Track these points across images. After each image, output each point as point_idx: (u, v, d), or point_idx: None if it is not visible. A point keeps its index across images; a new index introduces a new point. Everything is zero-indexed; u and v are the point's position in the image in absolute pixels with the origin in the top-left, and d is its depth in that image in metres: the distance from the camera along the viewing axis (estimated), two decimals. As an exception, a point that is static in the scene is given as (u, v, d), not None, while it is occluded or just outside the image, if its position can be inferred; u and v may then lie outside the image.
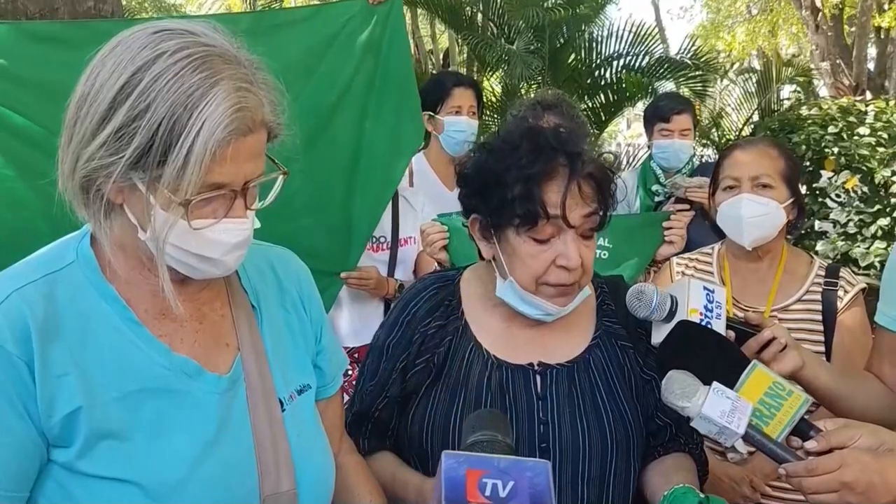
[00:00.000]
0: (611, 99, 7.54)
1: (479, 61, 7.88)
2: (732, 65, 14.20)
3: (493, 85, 9.01)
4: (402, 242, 2.84)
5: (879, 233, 4.76)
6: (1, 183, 2.25)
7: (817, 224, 5.13)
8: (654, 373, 1.46)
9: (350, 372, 2.71)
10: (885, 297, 1.60)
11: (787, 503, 1.98)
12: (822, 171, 5.07)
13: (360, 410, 1.49)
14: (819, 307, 2.02)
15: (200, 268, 1.03)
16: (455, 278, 1.54)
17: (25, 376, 0.95)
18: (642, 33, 7.57)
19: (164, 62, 0.93)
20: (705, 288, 1.46)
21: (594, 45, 7.72)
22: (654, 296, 1.42)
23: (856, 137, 5.02)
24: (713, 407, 1.21)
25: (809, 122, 5.29)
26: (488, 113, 7.05)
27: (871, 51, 13.35)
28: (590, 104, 7.47)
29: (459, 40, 8.89)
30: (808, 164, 5.03)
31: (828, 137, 5.06)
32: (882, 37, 13.13)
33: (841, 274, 2.06)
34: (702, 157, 6.87)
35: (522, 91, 7.21)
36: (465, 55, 9.36)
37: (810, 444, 1.22)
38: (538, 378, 1.42)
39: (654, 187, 3.37)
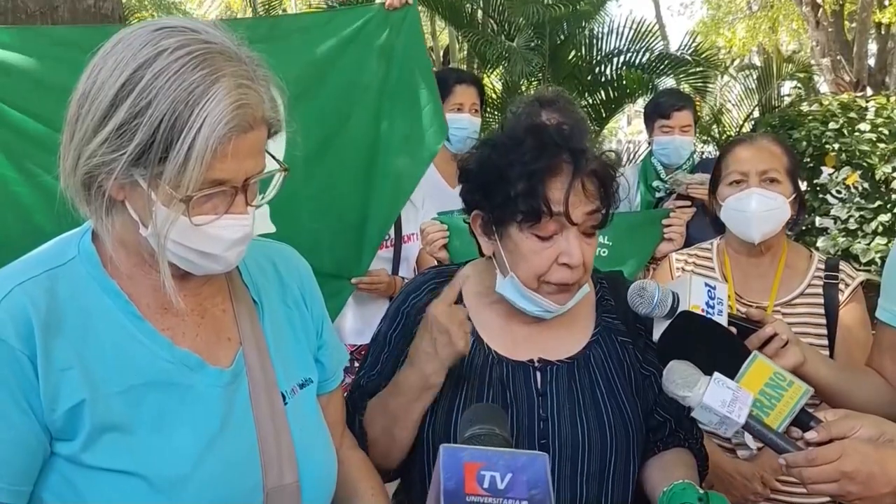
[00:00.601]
0: (611, 96, 7.54)
1: (480, 58, 7.88)
2: (733, 61, 14.16)
3: (493, 82, 9.00)
4: (405, 239, 2.85)
5: (880, 229, 4.76)
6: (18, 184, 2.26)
7: (818, 220, 5.13)
8: (654, 368, 1.47)
9: (359, 369, 2.73)
10: (885, 293, 1.61)
11: (797, 497, 1.99)
12: (823, 168, 5.07)
13: (360, 393, 1.48)
14: (821, 301, 2.03)
15: (201, 264, 1.03)
16: (455, 273, 1.54)
17: (28, 371, 0.96)
18: (642, 30, 7.56)
19: (165, 59, 0.94)
20: (707, 284, 1.47)
21: (594, 41, 7.71)
22: (656, 293, 1.42)
23: (856, 133, 5.01)
24: (714, 397, 1.22)
25: (810, 118, 5.28)
26: (489, 110, 7.04)
27: (872, 47, 13.32)
28: (590, 101, 7.46)
29: (459, 37, 8.89)
30: (808, 160, 5.02)
31: (828, 134, 5.06)
32: (883, 33, 13.11)
33: (840, 267, 2.07)
34: (702, 153, 6.87)
35: (523, 88, 7.20)
36: (466, 52, 9.36)
37: (811, 435, 1.23)
38: (538, 374, 1.42)
39: (655, 184, 3.37)
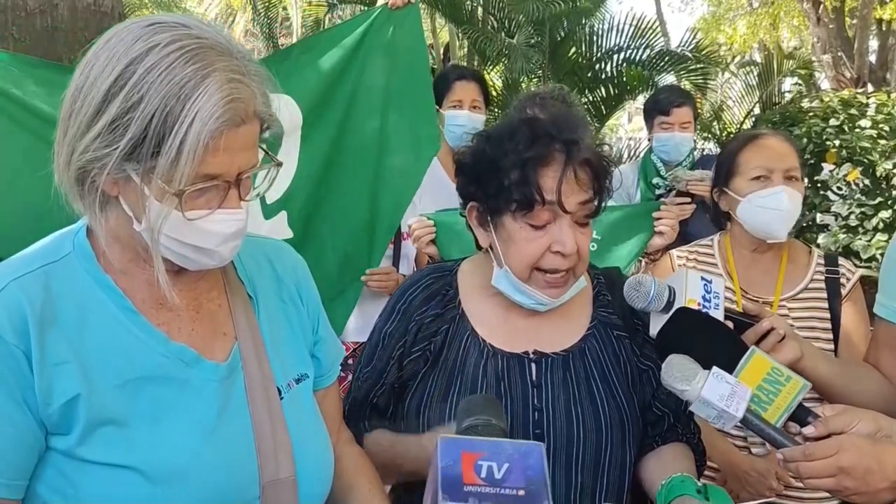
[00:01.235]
0: (611, 92, 7.54)
1: (480, 55, 7.88)
2: (734, 58, 14.16)
3: (493, 79, 9.00)
4: (404, 237, 2.85)
5: (881, 225, 4.76)
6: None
7: (819, 217, 5.13)
8: (651, 363, 1.47)
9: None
10: (884, 289, 1.61)
11: (811, 491, 1.98)
12: (824, 164, 5.08)
13: (358, 397, 1.50)
14: (824, 295, 2.04)
15: (195, 258, 1.03)
16: (453, 268, 1.55)
17: (23, 366, 0.96)
18: (643, 26, 7.56)
19: (156, 54, 0.94)
20: (703, 278, 1.47)
21: (595, 38, 7.71)
22: (652, 287, 1.43)
23: (857, 130, 5.01)
24: (712, 391, 1.22)
25: (811, 114, 5.29)
26: (489, 107, 7.05)
27: (873, 43, 13.30)
28: (590, 98, 7.47)
29: (460, 34, 8.89)
30: (809, 156, 5.03)
31: (829, 130, 5.06)
32: (883, 29, 13.09)
33: (840, 262, 2.08)
34: (702, 150, 6.87)
35: (523, 85, 7.20)
36: (466, 49, 9.36)
37: (808, 430, 1.23)
38: (533, 366, 1.43)
39: (655, 180, 3.37)
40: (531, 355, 1.44)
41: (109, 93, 0.94)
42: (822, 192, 5.05)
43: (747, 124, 7.82)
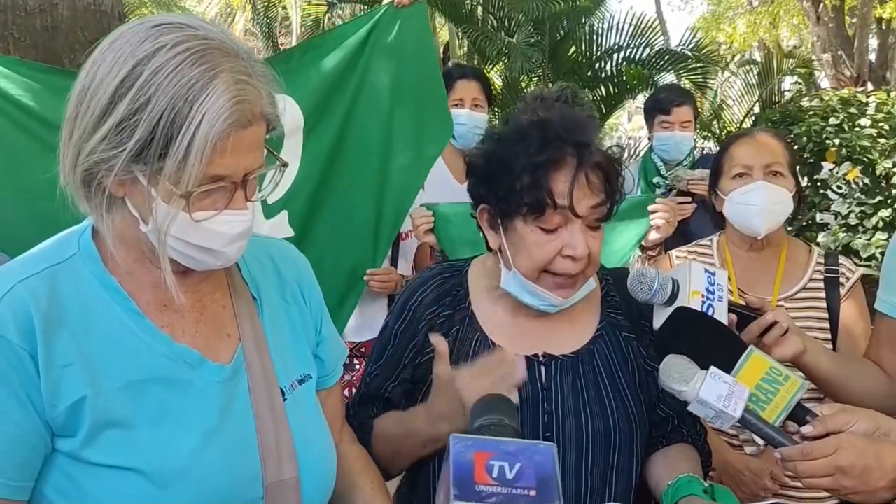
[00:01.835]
0: (611, 92, 7.55)
1: (480, 55, 7.88)
2: (733, 56, 14.18)
3: (493, 78, 9.01)
4: (402, 237, 2.86)
5: (881, 224, 4.76)
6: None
7: (819, 216, 5.14)
8: (657, 364, 1.47)
9: (358, 367, 2.74)
10: (885, 285, 1.61)
11: (806, 491, 1.99)
12: (824, 163, 5.08)
13: (368, 392, 1.50)
14: (823, 294, 2.03)
15: (202, 259, 1.04)
16: (463, 268, 1.54)
17: (29, 367, 0.96)
18: (643, 25, 7.56)
19: (163, 56, 0.94)
20: (706, 270, 1.46)
21: (594, 37, 7.72)
22: (656, 279, 1.42)
23: (857, 129, 5.02)
24: (710, 391, 1.22)
25: (811, 113, 5.29)
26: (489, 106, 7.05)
27: (873, 42, 13.31)
28: (590, 97, 7.46)
29: (459, 33, 8.90)
30: (809, 155, 5.03)
31: (829, 129, 5.06)
32: (883, 28, 13.09)
33: (840, 261, 2.07)
34: (703, 149, 6.87)
35: (523, 84, 7.21)
36: (466, 48, 9.36)
37: (806, 429, 1.23)
38: (542, 368, 1.43)
39: (656, 179, 3.37)
40: (540, 358, 1.43)
41: (116, 94, 0.94)
42: (821, 191, 5.05)
43: (747, 123, 7.83)
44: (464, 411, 1.21)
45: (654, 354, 1.48)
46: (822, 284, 2.04)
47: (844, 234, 4.86)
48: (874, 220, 4.78)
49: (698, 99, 6.97)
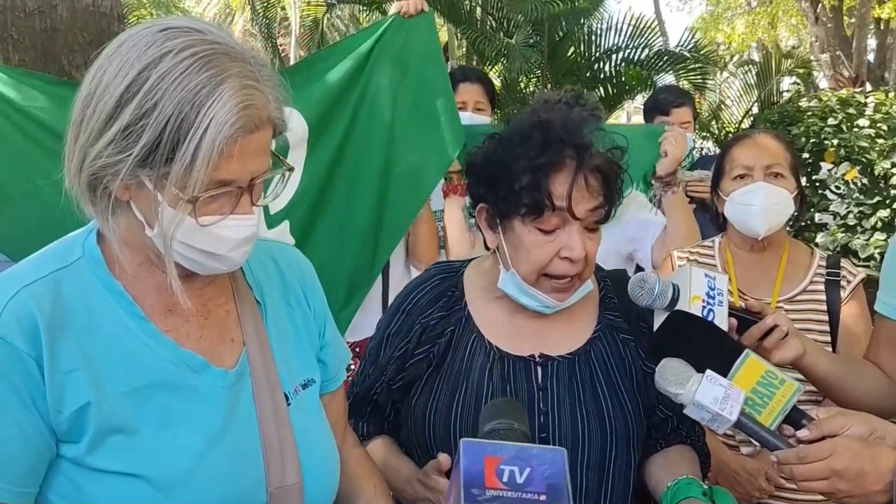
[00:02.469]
0: (610, 92, 7.55)
1: (478, 55, 7.88)
2: (732, 57, 14.20)
3: (492, 79, 9.01)
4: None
5: (879, 224, 4.76)
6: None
7: (817, 216, 5.14)
8: (655, 366, 1.47)
9: (353, 367, 2.74)
10: (885, 286, 1.62)
11: (800, 493, 1.99)
12: (822, 163, 5.08)
13: (360, 392, 1.51)
14: (823, 297, 2.03)
15: (207, 264, 1.03)
16: (459, 269, 1.55)
17: (34, 372, 0.96)
18: (641, 26, 7.57)
19: (170, 60, 0.94)
20: (707, 275, 1.47)
21: (593, 38, 7.73)
22: (656, 284, 1.43)
23: (855, 129, 5.02)
24: (706, 394, 1.22)
25: (809, 113, 5.28)
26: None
27: (871, 42, 13.33)
28: (590, 97, 7.45)
29: (458, 34, 8.89)
30: (807, 155, 5.03)
31: (827, 129, 5.06)
32: (882, 28, 13.11)
33: (842, 264, 2.07)
34: (701, 150, 6.88)
35: (522, 85, 7.21)
36: (464, 49, 9.36)
37: (802, 433, 1.23)
38: (539, 369, 1.44)
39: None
40: (537, 358, 1.44)
41: (122, 99, 0.94)
42: (820, 192, 5.05)
43: (746, 124, 7.83)
44: None
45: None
46: (822, 287, 2.04)
47: (843, 234, 4.86)
48: (873, 220, 4.78)
49: (697, 99, 6.97)
